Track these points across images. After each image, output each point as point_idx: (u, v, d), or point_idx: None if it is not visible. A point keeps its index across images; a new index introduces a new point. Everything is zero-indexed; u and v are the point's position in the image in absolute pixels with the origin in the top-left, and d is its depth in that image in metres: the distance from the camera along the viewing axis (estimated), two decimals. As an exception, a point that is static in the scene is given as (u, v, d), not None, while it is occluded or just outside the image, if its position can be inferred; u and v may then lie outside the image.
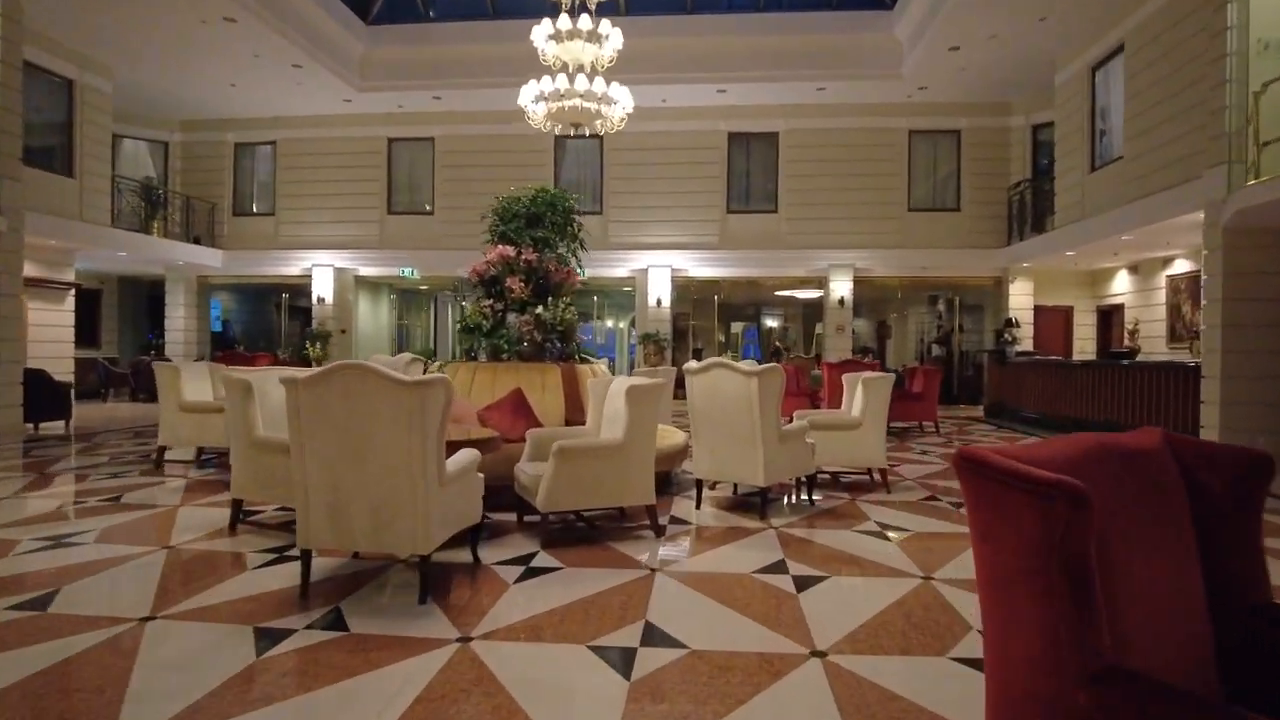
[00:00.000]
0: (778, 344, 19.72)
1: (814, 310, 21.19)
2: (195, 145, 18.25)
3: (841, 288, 16.40)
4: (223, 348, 18.14)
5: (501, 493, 5.33)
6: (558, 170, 17.18)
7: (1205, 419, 8.96)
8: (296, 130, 17.86)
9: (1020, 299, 16.24)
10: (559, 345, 6.96)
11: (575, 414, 6.56)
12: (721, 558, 4.64)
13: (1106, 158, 12.50)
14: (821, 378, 12.04)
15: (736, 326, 27.79)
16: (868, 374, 6.95)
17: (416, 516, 3.69)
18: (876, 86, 15.41)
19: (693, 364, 5.85)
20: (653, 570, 4.33)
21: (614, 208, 17.01)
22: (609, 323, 20.65)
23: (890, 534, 5.27)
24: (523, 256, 7.05)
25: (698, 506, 5.98)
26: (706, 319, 24.09)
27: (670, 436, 6.95)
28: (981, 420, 14.33)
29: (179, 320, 18.25)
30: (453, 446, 4.43)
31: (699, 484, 6.03)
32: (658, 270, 16.60)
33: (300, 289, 18.31)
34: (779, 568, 4.42)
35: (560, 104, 9.46)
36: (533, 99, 9.56)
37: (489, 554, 4.59)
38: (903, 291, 19.81)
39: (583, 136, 10.39)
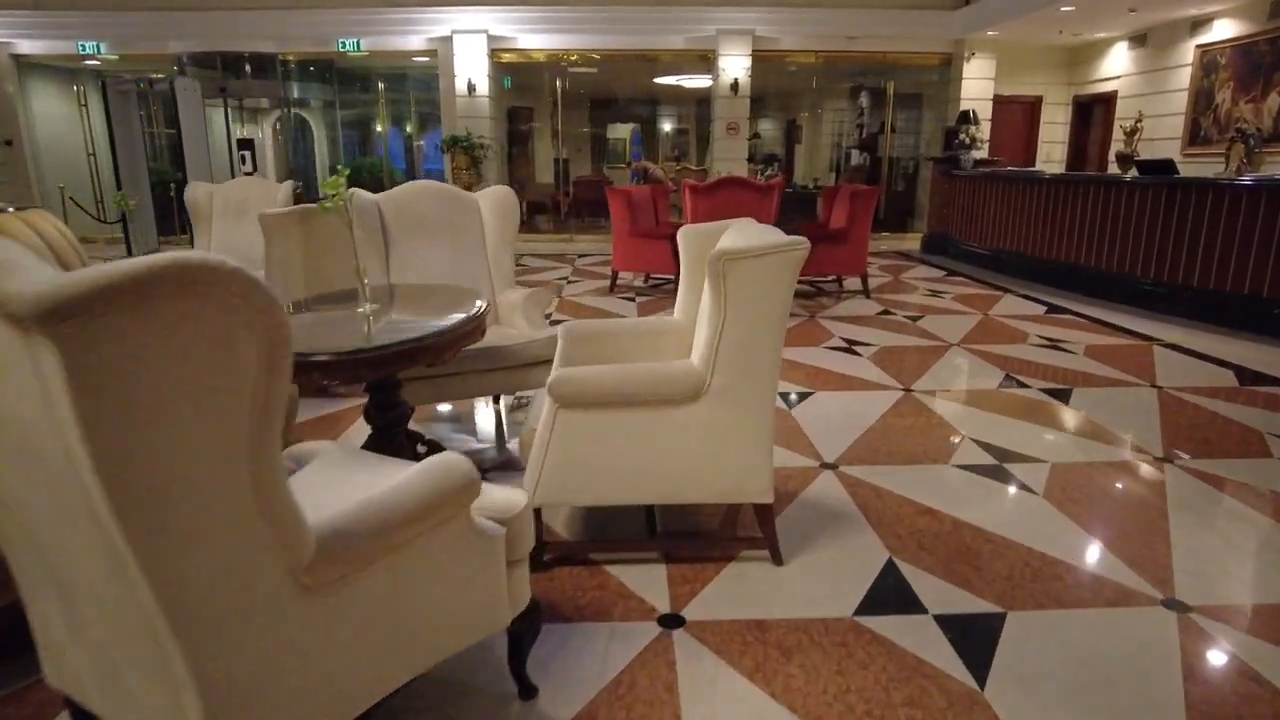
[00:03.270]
0: (645, 165, 14.51)
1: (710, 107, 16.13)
2: None
3: (735, 67, 11.46)
4: None
5: None
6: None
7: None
8: None
9: (976, 85, 11.74)
10: None
11: None
12: None
13: None
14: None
15: (622, 130, 22.41)
16: (740, 226, 2.50)
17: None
18: None
19: None
20: None
21: (398, -59, 11.19)
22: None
23: None
24: None
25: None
26: (576, 120, 18.86)
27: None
28: (918, 259, 10.25)
29: None
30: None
31: None
32: (467, 39, 11.18)
33: (-63, 75, 12.04)
34: None
35: None
36: None
37: None
38: (819, 78, 14.99)
39: None
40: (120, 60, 12.14)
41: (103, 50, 11.69)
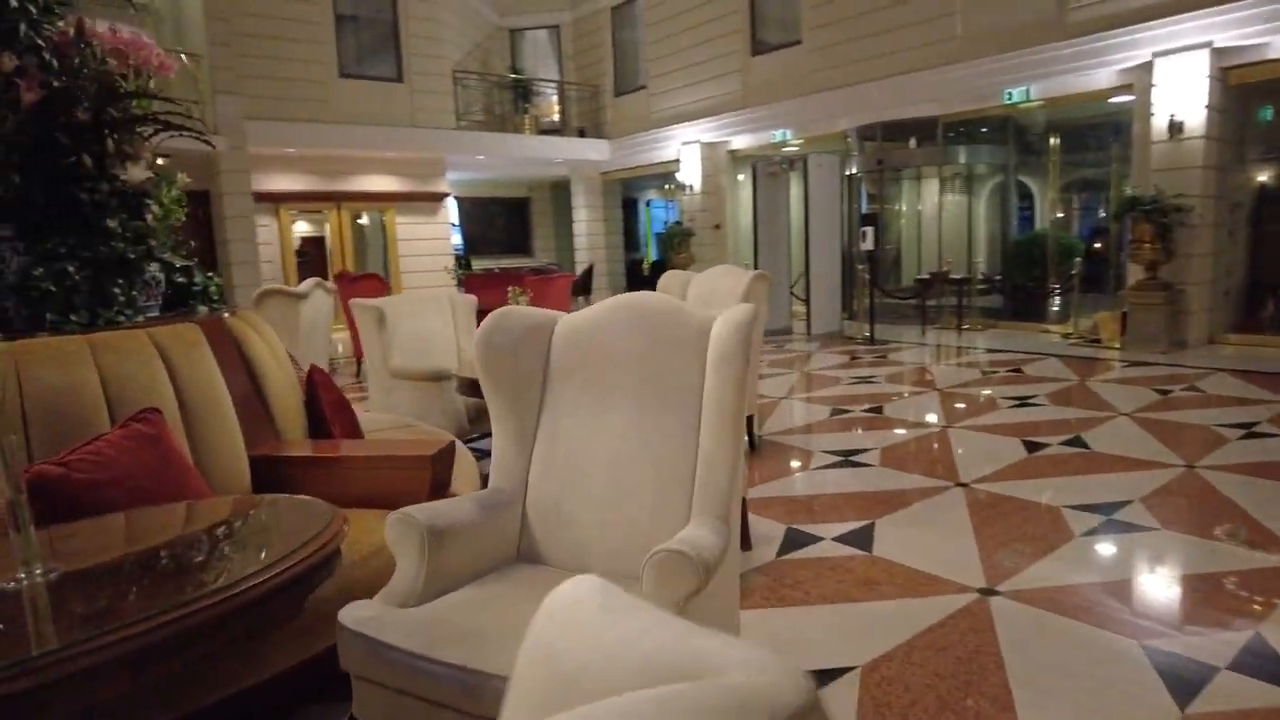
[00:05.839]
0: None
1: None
2: (582, 21, 16.00)
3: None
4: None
5: None
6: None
7: None
8: (664, -32, 13.98)
9: None
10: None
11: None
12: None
13: None
14: None
15: None
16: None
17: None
18: None
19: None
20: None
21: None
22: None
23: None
24: None
25: None
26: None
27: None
28: None
29: (583, 225, 16.70)
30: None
31: None
32: (1172, 62, 7.91)
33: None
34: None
35: None
36: None
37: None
38: None
39: None
40: (804, 144, 12.67)
41: (789, 136, 12.40)
